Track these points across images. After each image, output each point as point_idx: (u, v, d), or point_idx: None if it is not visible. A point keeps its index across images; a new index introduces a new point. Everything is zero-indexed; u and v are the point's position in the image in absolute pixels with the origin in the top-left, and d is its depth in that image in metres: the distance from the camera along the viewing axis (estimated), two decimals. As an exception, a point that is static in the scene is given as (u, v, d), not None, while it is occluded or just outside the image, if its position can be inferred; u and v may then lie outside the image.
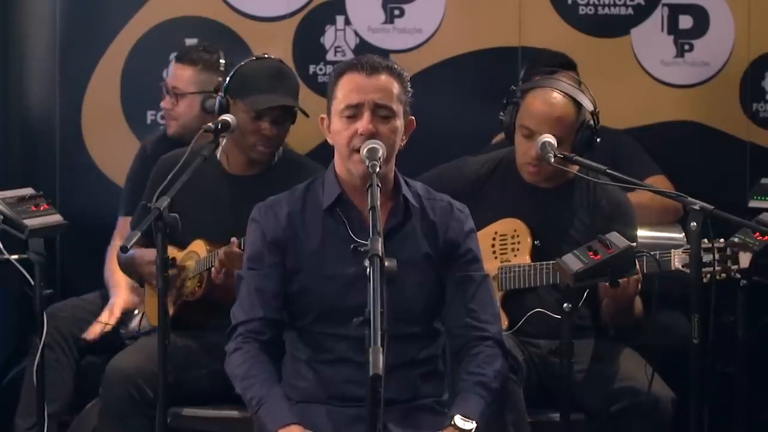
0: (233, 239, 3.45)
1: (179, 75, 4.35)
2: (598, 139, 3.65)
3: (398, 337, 2.72)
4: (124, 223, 4.36)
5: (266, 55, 3.81)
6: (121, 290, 4.29)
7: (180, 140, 4.34)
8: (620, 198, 3.74)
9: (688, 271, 3.23)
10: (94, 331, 4.21)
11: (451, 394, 3.14)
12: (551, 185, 3.70)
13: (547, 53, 4.61)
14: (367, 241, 2.62)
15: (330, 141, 3.09)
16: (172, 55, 4.78)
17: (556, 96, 3.62)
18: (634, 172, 4.06)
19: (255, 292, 3.07)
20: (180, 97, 4.32)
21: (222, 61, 4.34)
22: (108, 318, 4.22)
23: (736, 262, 3.31)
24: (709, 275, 3.23)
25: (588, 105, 3.64)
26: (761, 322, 4.09)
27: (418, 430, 3.00)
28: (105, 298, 4.35)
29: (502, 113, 3.73)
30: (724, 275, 3.30)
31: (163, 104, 4.41)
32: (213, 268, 3.55)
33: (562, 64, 4.43)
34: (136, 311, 4.21)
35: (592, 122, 3.63)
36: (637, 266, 3.27)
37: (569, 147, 3.59)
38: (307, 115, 3.70)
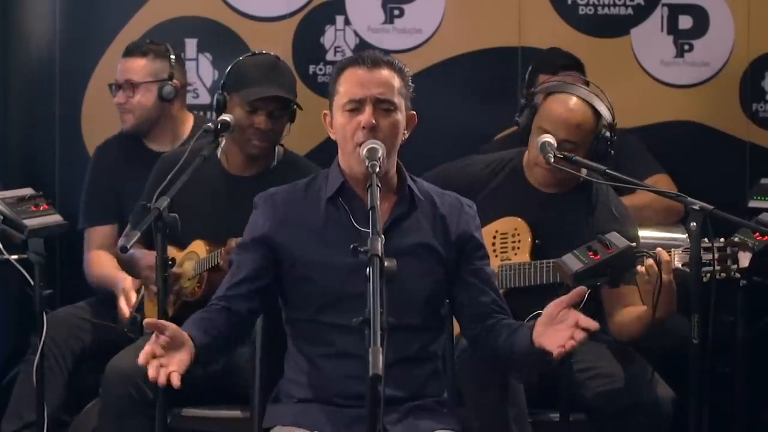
0: (231, 241, 3.45)
1: (131, 67, 4.31)
2: (612, 152, 3.63)
3: (399, 329, 2.72)
4: (92, 234, 4.30)
5: (263, 51, 3.81)
6: (120, 276, 4.04)
7: (137, 133, 4.32)
8: (618, 198, 3.74)
9: (687, 270, 3.23)
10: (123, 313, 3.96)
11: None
12: (557, 191, 3.68)
13: (556, 52, 4.60)
14: (368, 229, 2.63)
15: (333, 137, 3.09)
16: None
17: (578, 102, 3.59)
18: (636, 171, 4.06)
19: (230, 275, 3.08)
20: (135, 88, 4.29)
21: (170, 51, 4.33)
22: (129, 304, 3.95)
23: (736, 261, 3.31)
24: (708, 275, 3.23)
25: (606, 116, 3.60)
26: (761, 322, 4.09)
27: (417, 430, 3.00)
28: (94, 306, 4.21)
29: (518, 115, 3.70)
30: (723, 275, 3.30)
31: (116, 100, 4.34)
32: (221, 261, 3.54)
33: (570, 65, 4.44)
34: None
35: (608, 134, 3.59)
36: (643, 263, 3.27)
37: (582, 155, 3.56)
38: (300, 108, 3.71)
